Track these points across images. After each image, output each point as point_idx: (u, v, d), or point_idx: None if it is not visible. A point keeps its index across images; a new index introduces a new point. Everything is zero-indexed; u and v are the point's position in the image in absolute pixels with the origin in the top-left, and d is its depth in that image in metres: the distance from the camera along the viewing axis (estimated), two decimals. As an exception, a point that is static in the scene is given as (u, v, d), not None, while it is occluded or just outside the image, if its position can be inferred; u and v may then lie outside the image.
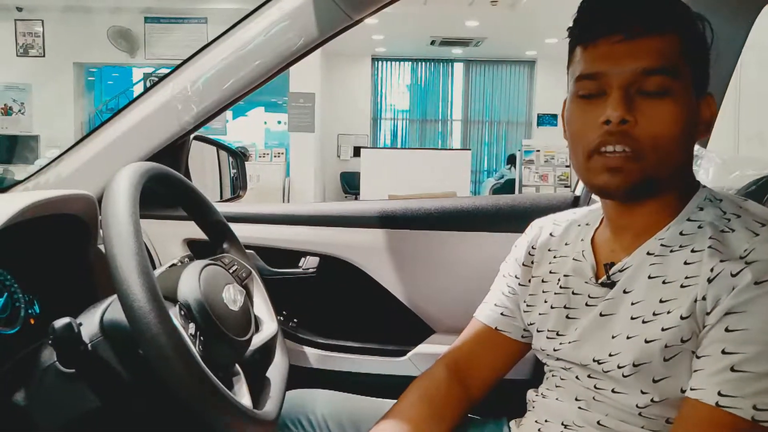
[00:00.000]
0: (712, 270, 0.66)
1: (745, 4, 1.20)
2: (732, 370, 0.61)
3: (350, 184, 9.57)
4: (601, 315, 0.76)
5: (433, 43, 9.28)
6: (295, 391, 1.02)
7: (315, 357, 1.25)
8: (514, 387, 0.96)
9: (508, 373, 0.96)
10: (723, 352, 0.62)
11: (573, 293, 0.82)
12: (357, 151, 9.16)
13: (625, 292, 0.74)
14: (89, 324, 0.74)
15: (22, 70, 7.76)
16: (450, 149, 10.26)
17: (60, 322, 0.70)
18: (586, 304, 0.79)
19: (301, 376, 1.18)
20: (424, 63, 10.65)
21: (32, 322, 0.88)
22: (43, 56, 7.76)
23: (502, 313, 0.93)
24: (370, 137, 10.42)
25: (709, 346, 0.64)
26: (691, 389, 0.64)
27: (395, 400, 0.89)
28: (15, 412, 0.74)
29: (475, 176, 10.23)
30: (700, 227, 0.71)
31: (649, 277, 0.72)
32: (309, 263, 1.30)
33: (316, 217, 1.27)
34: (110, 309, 0.75)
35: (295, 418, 0.96)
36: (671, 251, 0.72)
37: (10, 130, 7.85)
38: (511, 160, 9.04)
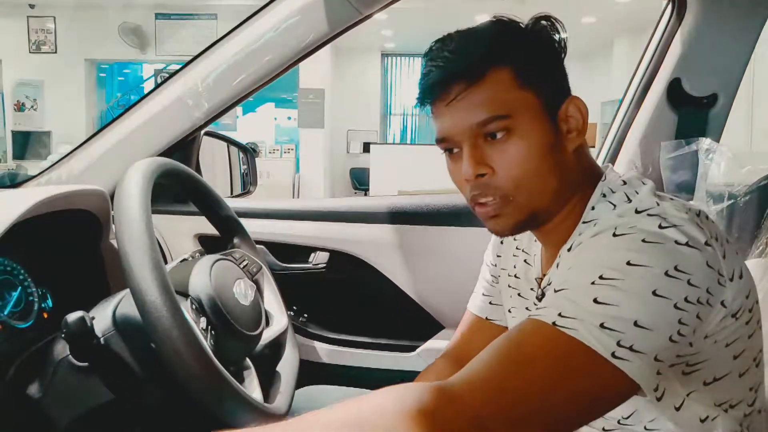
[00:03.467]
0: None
1: (758, 1, 1.19)
2: (554, 291, 0.61)
3: (360, 180, 9.56)
4: None
5: (442, 38, 9.25)
6: (305, 388, 1.03)
7: (325, 352, 1.25)
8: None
9: None
10: (554, 290, 0.62)
11: (519, 295, 0.84)
12: (366, 147, 9.15)
13: None
14: (102, 318, 0.75)
15: (34, 66, 7.82)
16: (460, 145, 10.21)
17: (73, 316, 0.71)
18: (526, 308, 0.81)
19: (311, 371, 1.19)
20: (433, 58, 10.60)
21: (45, 315, 0.88)
22: (55, 53, 7.81)
23: (490, 302, 0.95)
24: (380, 133, 10.40)
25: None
26: None
27: (405, 395, 0.89)
28: (29, 405, 0.75)
29: (485, 172, 10.19)
30: (594, 226, 0.69)
31: None
32: (319, 259, 1.30)
33: (326, 212, 1.27)
34: (122, 303, 0.76)
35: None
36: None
37: (22, 127, 7.92)
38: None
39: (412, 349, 1.24)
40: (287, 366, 0.94)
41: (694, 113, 1.28)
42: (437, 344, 1.23)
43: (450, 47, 0.70)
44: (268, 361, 0.92)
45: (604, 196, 0.71)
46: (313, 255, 1.32)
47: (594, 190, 0.72)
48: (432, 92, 0.71)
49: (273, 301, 1.00)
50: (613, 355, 0.53)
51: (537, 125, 0.69)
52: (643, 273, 0.56)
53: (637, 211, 0.64)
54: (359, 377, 1.19)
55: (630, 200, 0.68)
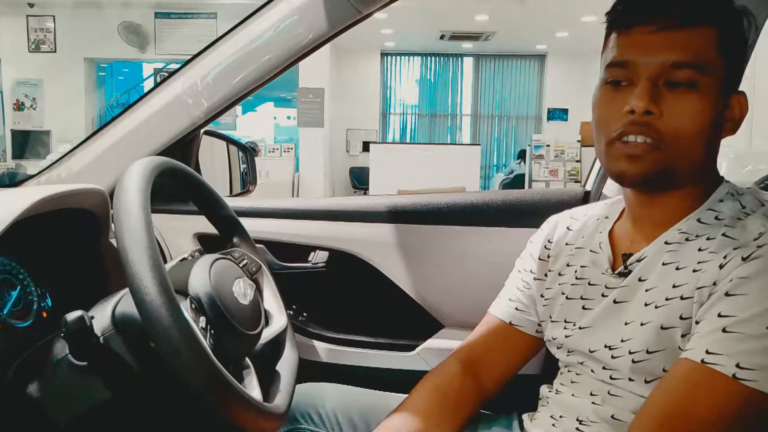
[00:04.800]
0: (725, 257, 0.66)
1: (759, -3, 1.19)
2: (723, 330, 0.61)
3: (359, 179, 9.56)
4: (614, 302, 0.76)
5: (442, 37, 9.24)
6: (304, 384, 1.02)
7: (324, 351, 1.25)
8: (524, 382, 0.96)
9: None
10: (719, 315, 0.63)
11: (589, 284, 0.82)
12: (366, 146, 9.16)
13: (640, 280, 0.75)
14: (101, 317, 0.75)
15: (33, 65, 7.82)
16: (459, 144, 10.23)
17: (72, 315, 0.71)
18: (602, 294, 0.79)
19: (310, 370, 1.18)
20: (433, 58, 10.61)
21: (45, 315, 0.88)
22: (55, 52, 7.80)
23: (516, 308, 0.94)
24: (380, 132, 10.40)
25: (708, 311, 0.65)
26: (684, 351, 0.65)
27: (405, 395, 0.89)
28: (28, 405, 0.75)
29: (485, 171, 10.19)
30: (717, 218, 0.72)
31: (663, 264, 0.73)
32: (318, 258, 1.30)
33: (326, 211, 1.27)
34: (122, 302, 0.76)
35: (305, 412, 0.96)
36: (687, 239, 0.72)
37: (22, 126, 7.92)
38: (522, 155, 9.01)
39: (412, 348, 1.24)
40: (286, 365, 0.94)
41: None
42: (437, 343, 1.23)
43: None
44: (267, 360, 0.91)
45: (732, 195, 0.73)
46: (312, 254, 1.32)
47: (712, 185, 0.74)
48: (640, 15, 0.71)
49: (272, 300, 1.00)
50: None
51: (716, 94, 0.70)
52: None
53: None
54: (358, 376, 1.19)
55: (763, 204, 0.70)
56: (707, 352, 0.61)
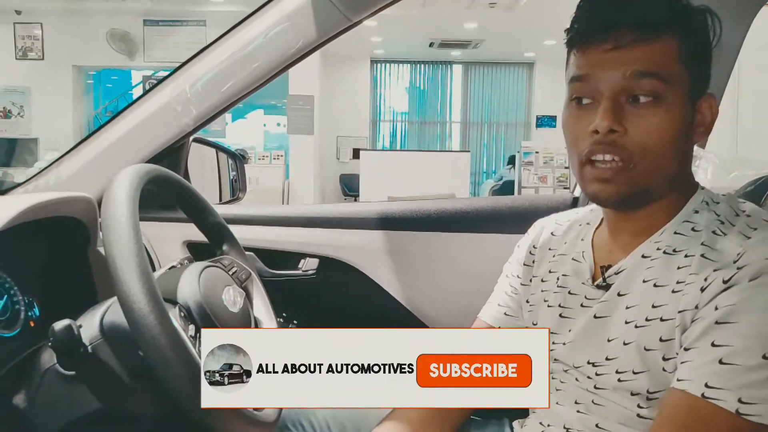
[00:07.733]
0: (705, 279, 0.65)
1: (744, 4, 1.20)
2: (720, 362, 0.61)
3: (350, 186, 9.56)
4: (595, 317, 0.76)
5: (431, 45, 9.28)
6: (295, 393, 1.02)
7: (315, 359, 1.25)
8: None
9: None
10: (712, 344, 0.62)
11: (569, 293, 0.82)
12: (356, 153, 9.16)
13: (619, 294, 0.74)
14: (89, 326, 0.74)
15: (21, 73, 7.76)
16: (449, 151, 10.26)
17: (60, 324, 0.70)
18: (581, 305, 0.79)
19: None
20: (423, 65, 10.64)
21: (32, 324, 0.87)
22: (42, 59, 7.75)
23: (505, 313, 0.94)
24: (370, 139, 10.41)
25: (699, 339, 0.64)
26: (678, 380, 0.64)
27: (395, 402, 0.89)
28: (15, 415, 0.74)
29: (474, 178, 10.22)
30: (694, 230, 0.71)
31: (644, 281, 0.72)
32: (308, 265, 1.30)
33: (316, 218, 1.27)
34: (110, 311, 0.75)
35: (296, 420, 0.96)
36: (664, 253, 0.72)
37: (9, 133, 7.84)
38: (512, 161, 9.05)
39: (403, 355, 1.24)
40: (277, 373, 0.93)
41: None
42: (427, 350, 1.23)
43: None
44: (257, 369, 0.91)
45: (707, 204, 0.72)
46: (302, 261, 1.31)
47: (688, 193, 0.74)
48: (596, 33, 0.70)
49: (262, 308, 0.99)
50: None
51: (682, 103, 0.69)
52: None
53: None
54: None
55: (738, 214, 0.69)
56: (707, 385, 0.61)
